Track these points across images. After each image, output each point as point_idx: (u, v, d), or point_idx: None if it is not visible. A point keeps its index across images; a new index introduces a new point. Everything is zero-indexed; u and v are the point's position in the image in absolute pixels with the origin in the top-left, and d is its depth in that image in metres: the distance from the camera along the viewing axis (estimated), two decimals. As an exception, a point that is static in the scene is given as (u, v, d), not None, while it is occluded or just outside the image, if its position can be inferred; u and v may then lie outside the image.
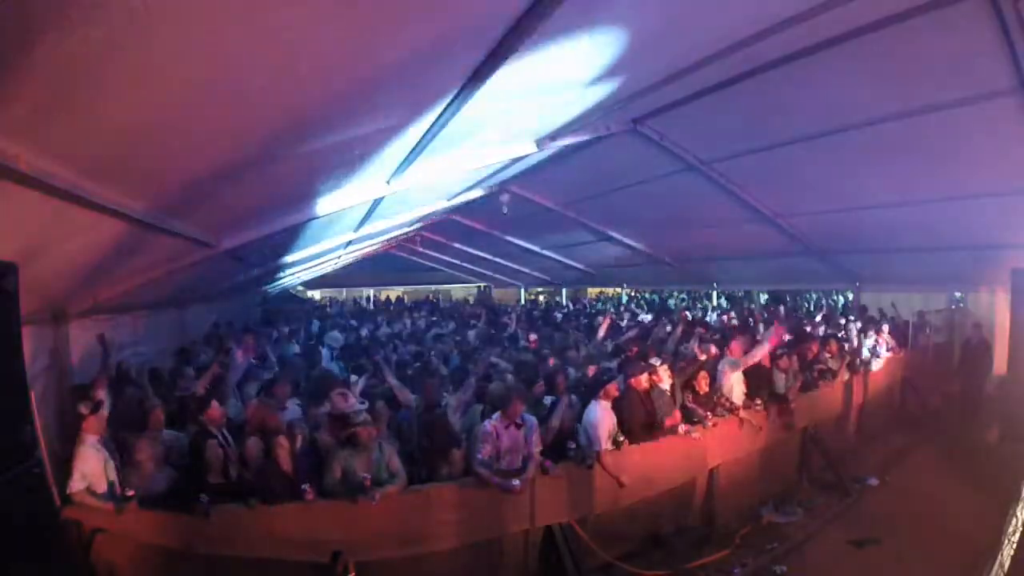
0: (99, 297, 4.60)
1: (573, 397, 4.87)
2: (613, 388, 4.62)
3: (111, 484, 3.53)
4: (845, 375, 6.85)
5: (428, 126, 3.91)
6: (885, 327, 8.20)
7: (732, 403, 5.41)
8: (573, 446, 4.33)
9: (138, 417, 4.05)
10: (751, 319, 9.72)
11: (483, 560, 4.03)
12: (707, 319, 10.19)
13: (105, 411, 3.76)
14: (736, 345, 5.82)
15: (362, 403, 4.04)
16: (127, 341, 5.89)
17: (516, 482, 3.92)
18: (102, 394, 3.90)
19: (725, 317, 10.58)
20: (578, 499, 4.26)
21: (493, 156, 5.70)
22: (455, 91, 3.34)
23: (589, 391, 4.84)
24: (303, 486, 3.56)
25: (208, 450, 3.69)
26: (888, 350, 7.90)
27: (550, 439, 4.38)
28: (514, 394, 4.22)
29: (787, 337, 6.82)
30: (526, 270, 16.49)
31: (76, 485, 3.35)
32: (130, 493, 3.42)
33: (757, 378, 5.80)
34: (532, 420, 4.24)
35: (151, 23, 1.61)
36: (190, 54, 1.89)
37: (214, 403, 3.95)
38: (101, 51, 1.66)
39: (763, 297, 14.64)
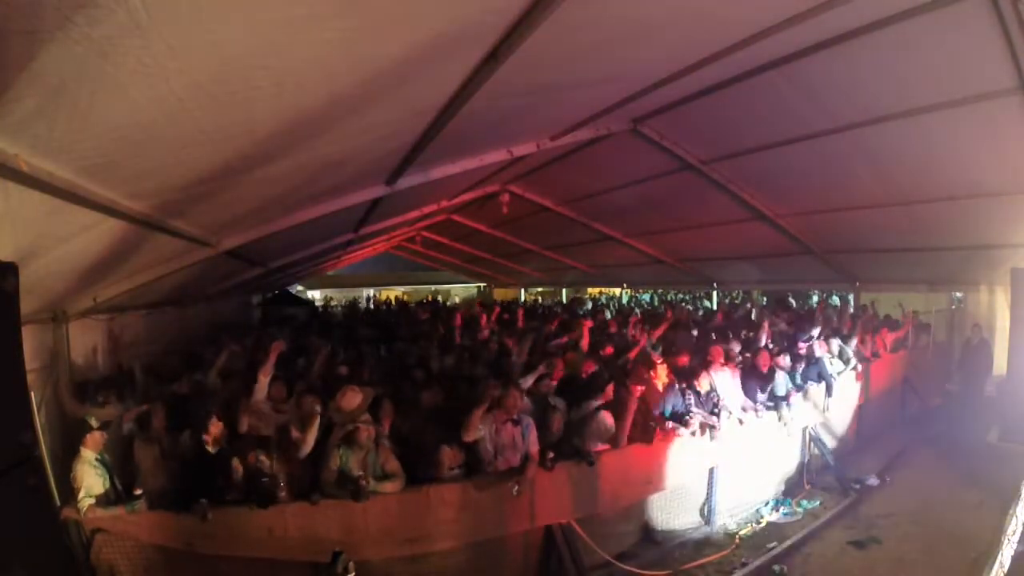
0: (99, 297, 4.60)
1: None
2: (611, 391, 4.61)
3: (109, 491, 3.56)
4: (846, 374, 6.84)
5: (428, 126, 3.92)
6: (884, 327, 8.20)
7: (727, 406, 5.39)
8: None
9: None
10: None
11: (483, 560, 4.02)
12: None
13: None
14: (719, 351, 5.84)
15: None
16: (128, 341, 5.90)
17: (516, 488, 3.93)
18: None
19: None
20: (578, 499, 4.26)
21: (493, 156, 5.71)
22: (455, 91, 3.34)
23: (582, 391, 4.83)
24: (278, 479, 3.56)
25: (234, 475, 3.64)
26: (889, 350, 7.91)
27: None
28: (512, 388, 4.21)
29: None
30: (526, 270, 16.48)
31: (85, 502, 3.39)
32: (138, 492, 3.43)
33: (757, 379, 5.82)
34: (528, 418, 4.24)
35: (151, 23, 1.61)
36: (190, 54, 1.89)
37: (214, 420, 3.85)
38: (101, 51, 1.66)
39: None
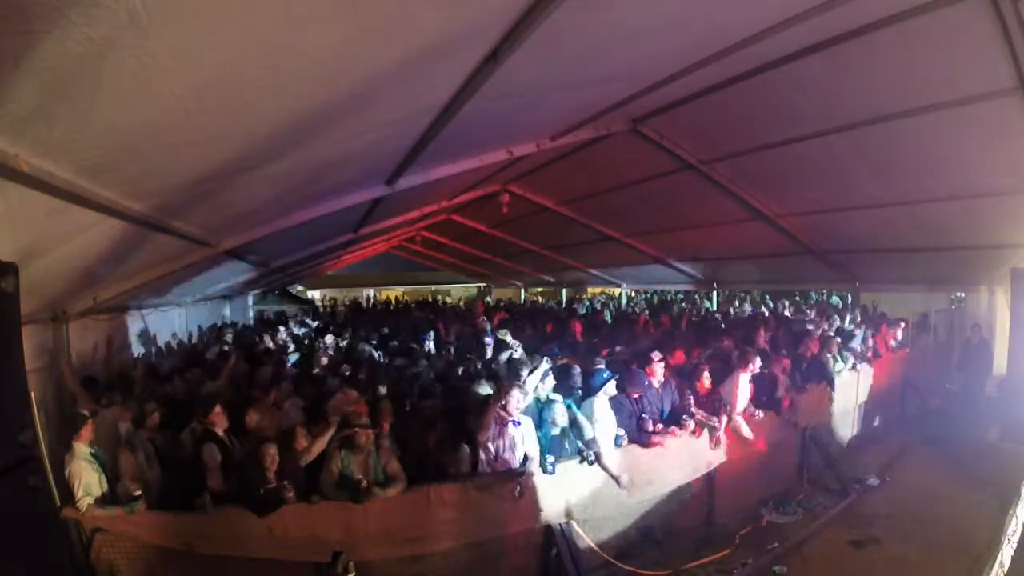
0: (99, 297, 4.61)
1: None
2: (613, 385, 4.61)
3: (106, 493, 3.54)
4: (845, 375, 6.84)
5: (428, 126, 3.92)
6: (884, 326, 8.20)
7: (731, 409, 5.36)
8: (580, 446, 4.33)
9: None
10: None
11: (483, 560, 4.01)
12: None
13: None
14: (750, 358, 5.77)
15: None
16: (128, 341, 5.91)
17: (518, 489, 3.93)
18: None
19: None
20: (578, 499, 4.26)
21: (493, 156, 5.71)
22: (455, 91, 3.34)
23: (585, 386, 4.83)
24: (283, 483, 3.54)
25: (205, 453, 3.67)
26: (889, 350, 7.90)
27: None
28: (514, 389, 4.19)
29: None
30: (526, 270, 16.48)
31: (84, 501, 3.37)
32: (136, 492, 3.42)
33: (760, 383, 5.80)
34: (527, 419, 4.23)
35: (151, 23, 1.61)
36: (190, 54, 1.89)
37: (217, 407, 3.92)
38: (101, 51, 1.66)
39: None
